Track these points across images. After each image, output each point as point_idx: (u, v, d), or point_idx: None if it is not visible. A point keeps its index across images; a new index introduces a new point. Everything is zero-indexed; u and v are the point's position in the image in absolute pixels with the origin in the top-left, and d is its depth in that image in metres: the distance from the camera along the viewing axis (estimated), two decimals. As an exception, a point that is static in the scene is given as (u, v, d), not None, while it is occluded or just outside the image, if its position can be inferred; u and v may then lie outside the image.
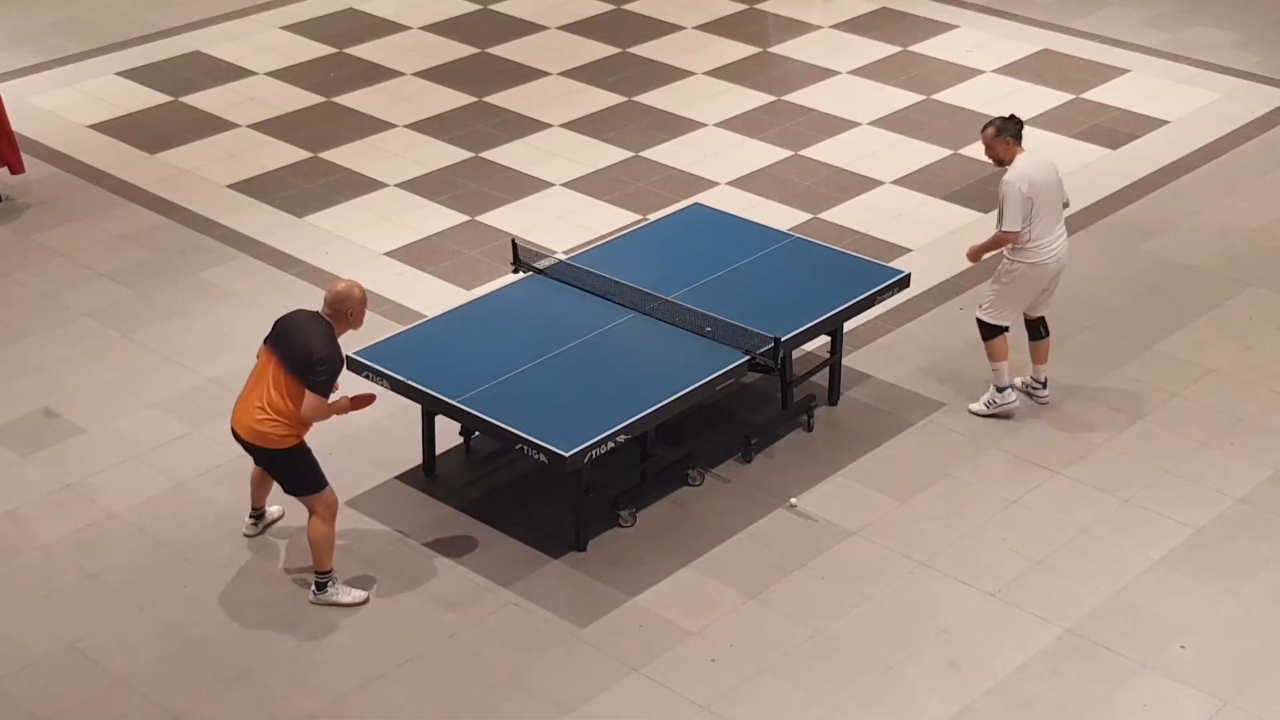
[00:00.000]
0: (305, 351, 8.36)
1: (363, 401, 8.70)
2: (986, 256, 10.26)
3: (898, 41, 15.94)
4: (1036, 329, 10.33)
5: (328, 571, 8.73)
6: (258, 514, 9.25)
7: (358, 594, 8.78)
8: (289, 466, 8.57)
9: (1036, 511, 9.48)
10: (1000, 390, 10.23)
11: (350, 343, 10.04)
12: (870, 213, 12.74)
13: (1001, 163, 9.92)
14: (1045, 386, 10.44)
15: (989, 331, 10.13)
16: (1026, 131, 10.03)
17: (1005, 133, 9.88)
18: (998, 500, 9.57)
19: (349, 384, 9.87)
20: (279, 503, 9.21)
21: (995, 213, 9.91)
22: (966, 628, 8.61)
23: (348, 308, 8.53)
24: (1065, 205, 10.11)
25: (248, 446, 8.57)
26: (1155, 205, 12.89)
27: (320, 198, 12.99)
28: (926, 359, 10.85)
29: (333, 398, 8.53)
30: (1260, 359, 10.91)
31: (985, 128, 9.96)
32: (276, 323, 8.63)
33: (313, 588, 8.77)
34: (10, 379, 10.68)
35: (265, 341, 8.61)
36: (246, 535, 9.23)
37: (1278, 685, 8.24)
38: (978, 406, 10.30)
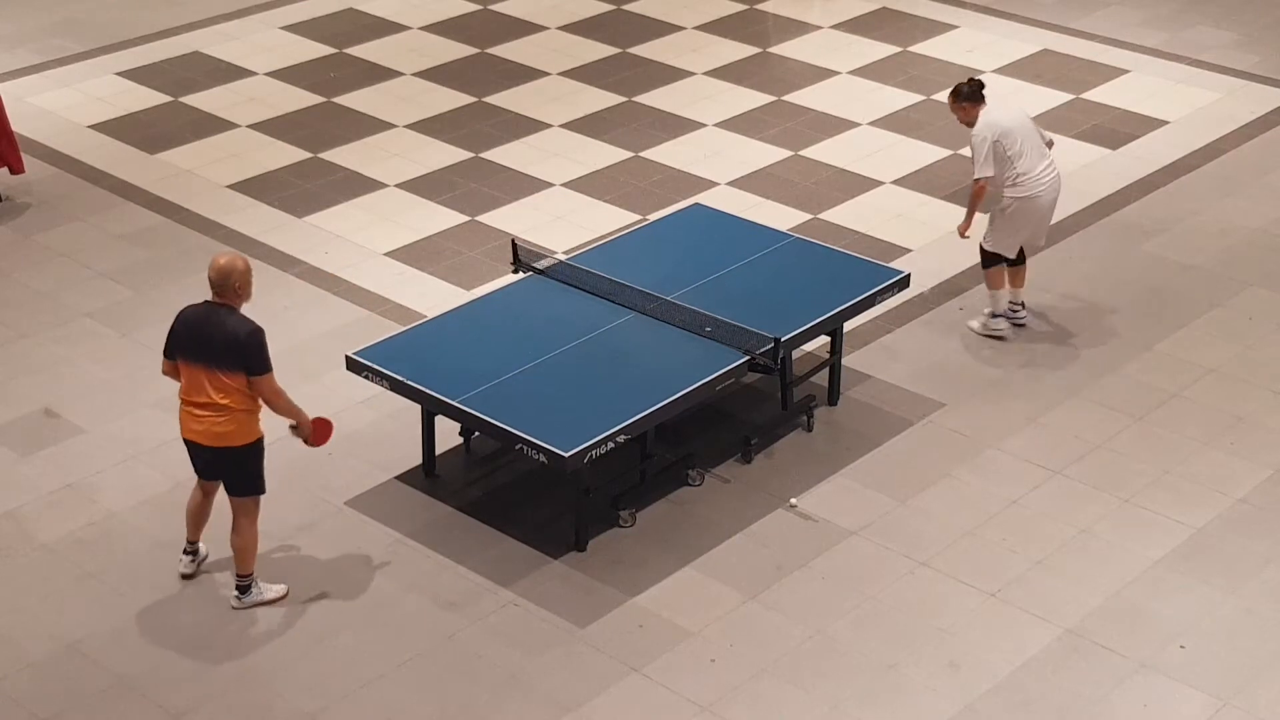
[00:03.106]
0: (232, 342, 8.11)
1: (320, 431, 8.51)
2: (976, 216, 10.82)
3: (898, 42, 15.93)
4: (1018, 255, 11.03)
5: (250, 574, 8.64)
6: (194, 548, 8.90)
7: (279, 587, 8.73)
8: (253, 461, 8.40)
9: (1036, 511, 9.47)
10: (994, 316, 11.01)
11: (351, 343, 10.07)
12: (870, 213, 12.74)
13: (971, 124, 10.72)
14: (1024, 308, 11.14)
15: (988, 260, 10.89)
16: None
17: (962, 98, 10.75)
18: (998, 500, 9.57)
19: (349, 384, 9.90)
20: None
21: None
22: (966, 628, 8.60)
23: (234, 282, 8.19)
24: (1050, 144, 10.78)
25: (206, 454, 8.39)
26: (1155, 205, 12.88)
27: (320, 198, 12.98)
28: (926, 359, 10.85)
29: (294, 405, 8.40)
30: (1260, 359, 10.90)
31: (949, 98, 10.81)
32: (175, 335, 8.35)
33: (235, 594, 8.63)
34: (10, 379, 10.68)
35: (178, 355, 8.33)
36: (185, 575, 8.88)
37: (1278, 685, 8.24)
38: (975, 324, 11.07)
